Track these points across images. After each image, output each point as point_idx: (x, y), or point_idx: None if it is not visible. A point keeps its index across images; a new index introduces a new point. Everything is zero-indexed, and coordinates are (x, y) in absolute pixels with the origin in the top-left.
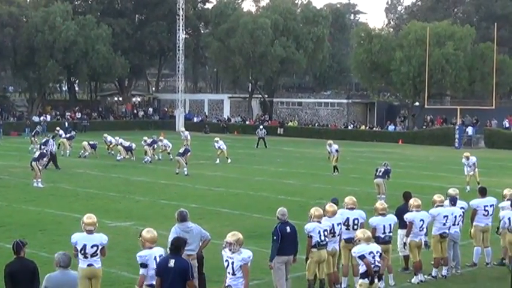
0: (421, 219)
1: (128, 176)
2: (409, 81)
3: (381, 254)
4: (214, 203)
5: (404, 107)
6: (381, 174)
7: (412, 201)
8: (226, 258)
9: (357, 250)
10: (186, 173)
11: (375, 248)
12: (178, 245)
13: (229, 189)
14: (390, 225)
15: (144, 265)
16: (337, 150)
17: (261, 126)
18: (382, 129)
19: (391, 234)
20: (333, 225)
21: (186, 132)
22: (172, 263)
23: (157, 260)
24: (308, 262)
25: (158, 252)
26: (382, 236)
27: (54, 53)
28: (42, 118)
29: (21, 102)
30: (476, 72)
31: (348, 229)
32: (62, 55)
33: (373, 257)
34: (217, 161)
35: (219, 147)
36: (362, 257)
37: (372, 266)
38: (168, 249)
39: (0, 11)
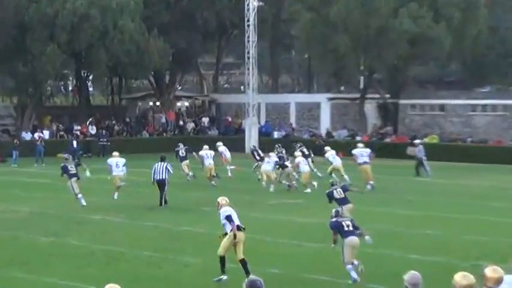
0: None
1: (170, 224)
2: None
3: None
4: (306, 267)
5: None
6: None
7: None
8: None
9: None
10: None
11: None
12: None
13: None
14: None
15: None
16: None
17: (417, 141)
18: None
19: None
20: None
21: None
22: None
23: None
24: None
25: None
26: None
27: (56, 33)
28: (37, 135)
29: (5, 111)
30: None
31: None
32: (67, 37)
33: None
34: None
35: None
36: None
37: None
38: None
39: None
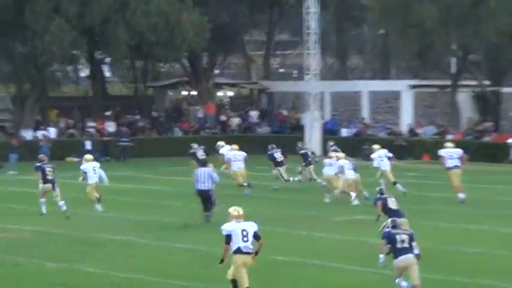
0: None
1: (206, 246)
2: None
3: None
4: None
5: None
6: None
7: None
8: None
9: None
10: None
11: None
12: None
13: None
14: None
15: None
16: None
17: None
18: None
19: None
20: None
21: None
22: None
23: None
24: None
25: None
26: None
27: (63, 4)
28: (41, 133)
29: (0, 103)
30: None
31: None
32: (76, 9)
33: None
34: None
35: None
36: None
37: None
38: None
39: None
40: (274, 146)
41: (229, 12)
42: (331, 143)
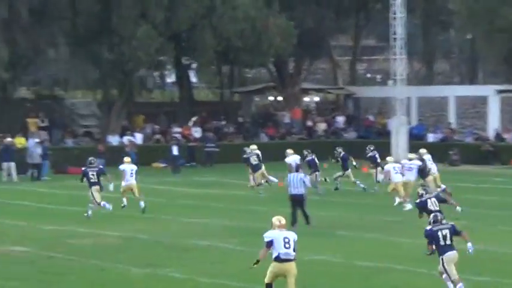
0: None
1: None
2: None
3: None
4: None
5: None
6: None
7: None
8: None
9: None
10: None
11: None
12: None
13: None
14: None
15: None
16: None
17: None
18: None
19: None
20: None
21: None
22: None
23: None
24: None
25: None
26: None
27: (150, 11)
28: (127, 139)
29: (87, 109)
30: None
31: None
32: (163, 14)
33: None
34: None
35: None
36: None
37: None
38: None
39: None
40: (309, 150)
41: (316, 17)
42: (372, 147)
